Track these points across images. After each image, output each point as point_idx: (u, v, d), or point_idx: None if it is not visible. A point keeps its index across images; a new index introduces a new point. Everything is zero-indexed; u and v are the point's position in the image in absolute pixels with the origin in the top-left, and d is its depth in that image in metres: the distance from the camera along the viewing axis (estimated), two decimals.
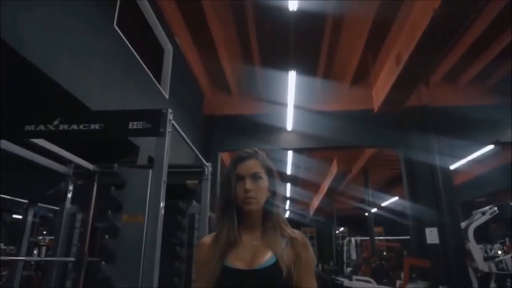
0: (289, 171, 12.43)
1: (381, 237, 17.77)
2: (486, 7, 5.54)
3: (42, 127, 1.89)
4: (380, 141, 8.32)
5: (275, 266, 1.18)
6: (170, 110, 1.87)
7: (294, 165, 11.88)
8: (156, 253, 1.71)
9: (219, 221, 1.31)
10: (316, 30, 6.77)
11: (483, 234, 13.00)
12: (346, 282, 6.65)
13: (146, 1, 5.07)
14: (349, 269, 12.02)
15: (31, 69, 2.61)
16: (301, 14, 5.90)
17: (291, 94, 7.01)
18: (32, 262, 6.89)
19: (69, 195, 2.87)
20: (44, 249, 7.85)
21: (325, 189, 15.51)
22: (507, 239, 13.54)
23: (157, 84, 5.47)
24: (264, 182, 1.30)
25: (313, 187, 17.05)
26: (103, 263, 1.80)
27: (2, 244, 8.58)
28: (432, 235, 6.93)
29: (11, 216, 11.75)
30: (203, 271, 1.27)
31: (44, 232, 9.72)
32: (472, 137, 7.92)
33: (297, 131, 8.06)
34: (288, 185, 16.21)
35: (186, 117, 6.79)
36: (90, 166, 2.82)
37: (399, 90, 6.87)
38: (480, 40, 6.49)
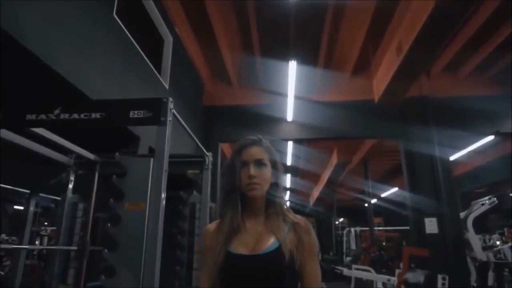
0: (289, 162, 12.45)
1: (380, 228, 17.88)
2: None
3: (43, 116, 1.89)
4: (380, 132, 8.32)
5: (277, 251, 1.20)
6: (170, 99, 1.87)
7: (294, 155, 11.89)
8: (158, 240, 1.72)
9: (222, 208, 1.32)
10: (316, 19, 6.72)
11: (482, 225, 13.10)
12: (345, 271, 6.71)
13: None
14: (348, 258, 12.13)
15: (31, 59, 2.60)
16: (301, 3, 5.86)
17: (291, 85, 6.98)
18: (35, 252, 6.95)
19: (71, 185, 2.88)
20: (46, 239, 7.90)
21: (325, 179, 15.55)
22: (505, 229, 13.63)
23: (157, 74, 5.45)
24: (268, 168, 1.32)
25: (313, 177, 17.09)
26: (106, 250, 1.81)
27: (4, 235, 8.65)
28: (431, 225, 6.98)
29: (13, 206, 11.82)
30: (207, 257, 1.28)
31: (46, 223, 9.78)
32: (472, 127, 7.92)
33: (297, 121, 8.05)
34: (288, 176, 16.25)
35: (186, 107, 6.78)
36: (91, 156, 2.83)
37: (400, 80, 6.85)
38: (480, 31, 6.45)
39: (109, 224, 1.86)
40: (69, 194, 2.86)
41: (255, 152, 1.32)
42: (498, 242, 11.52)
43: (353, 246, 14.25)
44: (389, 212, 19.09)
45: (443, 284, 4.09)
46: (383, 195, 19.09)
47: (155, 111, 1.83)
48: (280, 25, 6.65)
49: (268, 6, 6.37)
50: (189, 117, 6.82)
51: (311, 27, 6.93)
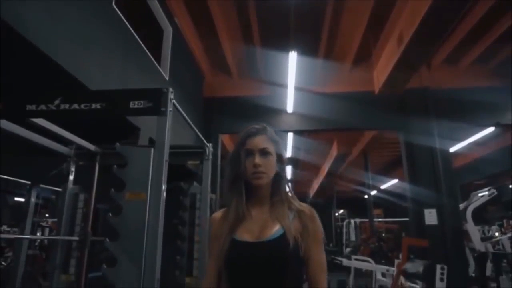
0: (289, 154, 12.46)
1: (380, 219, 17.97)
2: None
3: (43, 106, 1.89)
4: (381, 124, 8.31)
5: (282, 238, 1.21)
6: (171, 90, 1.87)
7: (295, 147, 11.90)
8: (159, 229, 1.74)
9: (228, 196, 1.33)
10: (317, 10, 6.66)
11: (482, 216, 13.17)
12: (345, 261, 6.75)
13: None
14: (348, 249, 12.21)
15: (31, 49, 2.59)
16: None
17: (292, 76, 6.95)
18: (36, 243, 7.00)
19: (71, 176, 2.90)
20: (47, 230, 7.96)
21: (325, 171, 15.58)
22: (504, 220, 13.71)
23: (157, 65, 5.43)
24: (273, 157, 1.33)
25: (313, 169, 17.13)
26: (107, 240, 1.83)
27: (5, 226, 8.71)
28: (431, 216, 7.01)
29: (13, 198, 11.88)
30: (213, 245, 1.31)
31: (47, 215, 9.84)
32: (473, 119, 7.91)
33: (298, 113, 8.04)
34: (289, 168, 16.28)
35: (186, 99, 6.76)
36: (91, 146, 2.84)
37: (400, 72, 6.82)
38: (481, 22, 6.40)
39: (110, 214, 1.87)
40: (70, 185, 2.88)
41: (260, 141, 1.33)
42: (497, 234, 11.60)
43: (353, 237, 14.34)
44: (388, 204, 19.17)
45: (442, 274, 4.13)
46: (383, 186, 19.17)
47: (155, 102, 1.83)
48: (280, 15, 6.60)
49: None
50: (189, 108, 6.81)
51: (311, 17, 6.88)
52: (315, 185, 19.53)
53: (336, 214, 21.21)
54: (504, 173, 12.92)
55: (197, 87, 8.10)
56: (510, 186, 15.12)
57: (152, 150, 1.86)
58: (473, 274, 6.75)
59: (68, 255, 2.76)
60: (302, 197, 21.67)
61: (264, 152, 1.31)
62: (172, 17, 6.01)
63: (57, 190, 5.32)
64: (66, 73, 2.97)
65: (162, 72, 5.61)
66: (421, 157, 7.52)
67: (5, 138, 2.19)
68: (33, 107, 1.89)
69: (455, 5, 5.05)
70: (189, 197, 2.95)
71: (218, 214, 1.38)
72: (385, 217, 19.28)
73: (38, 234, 7.81)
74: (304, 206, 1.33)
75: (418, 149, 7.53)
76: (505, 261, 7.03)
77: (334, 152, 12.90)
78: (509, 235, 8.79)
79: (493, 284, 5.80)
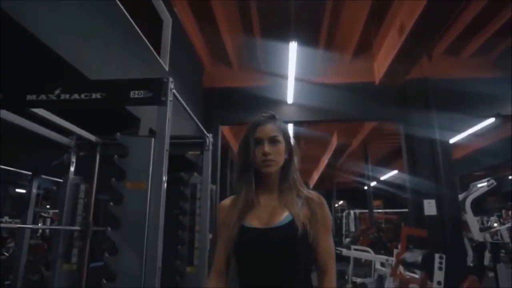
0: None
1: (379, 210, 18.06)
2: None
3: (43, 96, 1.89)
4: (381, 114, 8.30)
5: (290, 224, 1.23)
6: (171, 79, 1.87)
7: (295, 138, 11.87)
8: (160, 217, 1.75)
9: (237, 184, 1.35)
10: (318, 0, 6.62)
11: (481, 207, 13.22)
12: (344, 251, 6.80)
13: None
14: (347, 240, 12.29)
15: (31, 40, 2.58)
16: None
17: (292, 66, 6.92)
18: (38, 234, 7.05)
19: (72, 167, 2.90)
20: (48, 221, 8.00)
21: (325, 162, 15.62)
22: (503, 211, 13.78)
23: (157, 56, 5.41)
24: (282, 145, 1.35)
25: (313, 160, 17.16)
26: (109, 229, 1.84)
27: (7, 217, 8.76)
28: (430, 207, 7.05)
29: (14, 189, 11.92)
30: (222, 232, 1.33)
31: (48, 206, 9.88)
32: (473, 110, 7.90)
33: (298, 103, 8.03)
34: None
35: (186, 89, 6.75)
36: (92, 137, 2.84)
37: (401, 62, 6.80)
38: (482, 13, 6.38)
39: (111, 203, 1.88)
40: (71, 175, 2.88)
41: (269, 129, 1.34)
42: (495, 224, 11.65)
43: (352, 228, 14.44)
44: (388, 195, 19.25)
45: (440, 263, 4.16)
46: (382, 178, 19.22)
47: (155, 91, 1.83)
48: (280, 5, 6.55)
49: None
50: (189, 99, 6.79)
51: (312, 8, 6.83)
52: (315, 175, 19.58)
53: (336, 205, 21.31)
54: (504, 164, 12.95)
55: (197, 78, 8.07)
56: (510, 177, 15.17)
57: (153, 140, 1.86)
58: (471, 264, 6.82)
59: (70, 245, 2.78)
60: None
61: (273, 140, 1.32)
62: (172, 7, 5.97)
63: (58, 181, 5.34)
64: (66, 63, 2.96)
65: (162, 63, 5.59)
66: (421, 148, 7.53)
67: (5, 129, 2.19)
68: (34, 97, 1.89)
69: None
70: (189, 187, 2.96)
71: (227, 201, 1.40)
72: (384, 208, 19.38)
73: (39, 225, 7.85)
74: (313, 193, 1.35)
75: (418, 140, 7.53)
76: (503, 251, 7.09)
77: (334, 143, 12.91)
78: (508, 225, 8.84)
79: (491, 274, 5.85)
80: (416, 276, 4.94)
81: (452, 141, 8.91)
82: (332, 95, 7.96)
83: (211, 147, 3.02)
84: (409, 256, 4.71)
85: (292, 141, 1.42)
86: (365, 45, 7.78)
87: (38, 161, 3.63)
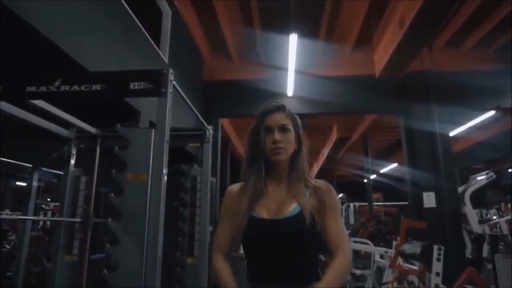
0: None
1: (379, 203, 18.11)
2: None
3: (43, 88, 1.89)
4: (381, 107, 8.28)
5: (299, 216, 1.23)
6: (171, 71, 1.87)
7: None
8: (160, 208, 1.76)
9: (246, 172, 1.35)
10: None
11: (480, 200, 13.26)
12: None
13: None
14: (347, 232, 12.34)
15: (30, 32, 2.56)
16: None
17: (292, 59, 6.88)
18: (39, 226, 7.09)
19: (73, 159, 2.91)
20: (49, 213, 8.04)
21: (325, 155, 15.63)
22: (502, 204, 13.82)
23: (156, 48, 5.39)
24: (292, 133, 1.35)
25: (313, 153, 17.16)
26: (110, 220, 1.85)
27: (8, 210, 8.79)
28: (429, 199, 7.07)
29: (15, 182, 11.95)
30: (229, 218, 1.33)
31: (48, 199, 9.91)
32: (473, 103, 7.88)
33: (298, 96, 8.00)
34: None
35: (186, 82, 6.73)
36: (92, 129, 2.85)
37: (401, 54, 6.76)
38: (483, 5, 6.35)
39: (112, 195, 1.89)
40: (71, 167, 2.89)
41: (279, 118, 1.34)
42: (494, 217, 11.69)
43: (352, 221, 14.49)
44: (388, 188, 19.28)
45: (439, 254, 4.18)
46: (382, 171, 19.24)
47: (155, 83, 1.83)
48: None
49: None
50: (189, 91, 6.77)
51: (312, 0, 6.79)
52: (315, 168, 19.60)
53: None
54: (503, 158, 12.95)
55: (197, 70, 8.04)
56: (509, 170, 15.19)
57: (153, 131, 1.87)
58: (469, 256, 6.86)
59: (71, 237, 2.80)
60: None
61: (283, 129, 1.32)
62: None
63: (58, 173, 5.35)
64: (66, 55, 2.95)
65: (162, 55, 5.57)
66: (421, 141, 7.53)
67: (5, 121, 2.19)
68: (33, 88, 1.89)
69: None
70: (190, 179, 2.97)
71: (235, 187, 1.40)
72: (384, 201, 19.43)
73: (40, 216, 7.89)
74: (320, 182, 1.36)
75: (418, 133, 7.53)
76: (502, 243, 7.13)
77: (334, 136, 12.91)
78: (507, 217, 8.88)
79: (489, 265, 5.88)
80: (415, 267, 4.97)
81: (452, 134, 8.90)
82: (332, 88, 7.94)
83: (211, 139, 3.03)
84: (408, 248, 4.74)
85: (301, 131, 1.40)
86: (366, 38, 7.74)
87: (39, 153, 3.64)
